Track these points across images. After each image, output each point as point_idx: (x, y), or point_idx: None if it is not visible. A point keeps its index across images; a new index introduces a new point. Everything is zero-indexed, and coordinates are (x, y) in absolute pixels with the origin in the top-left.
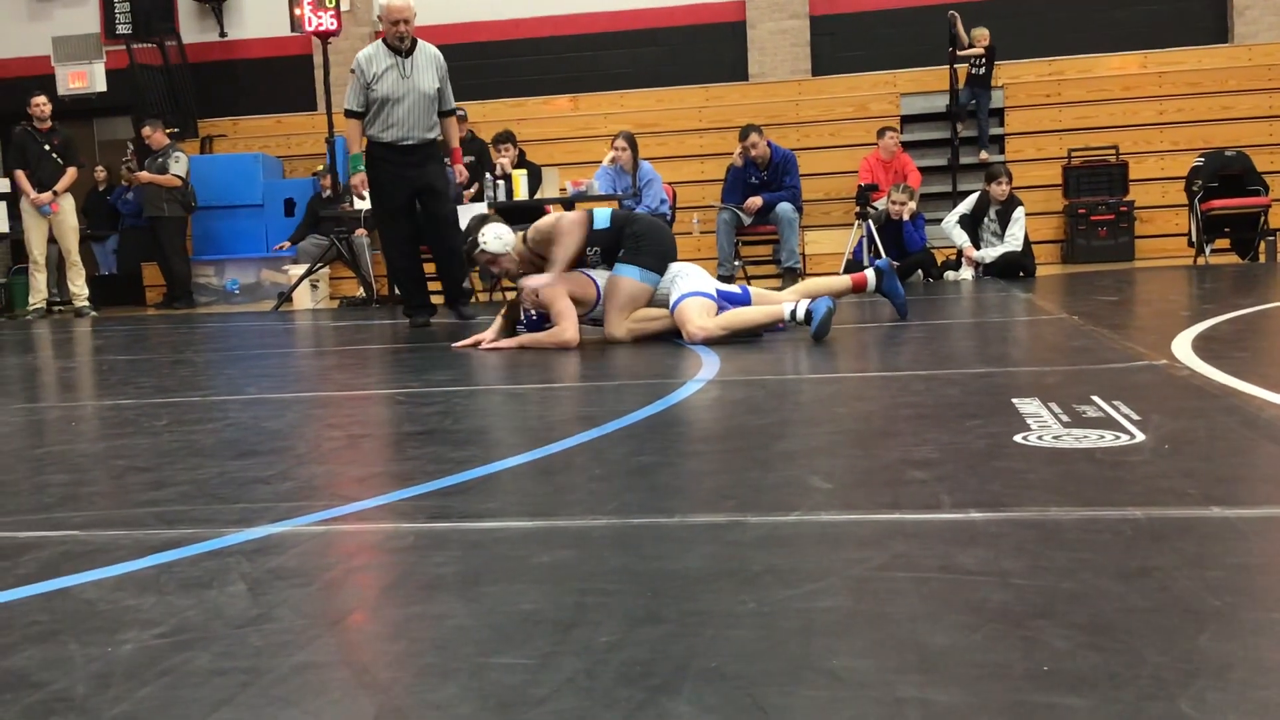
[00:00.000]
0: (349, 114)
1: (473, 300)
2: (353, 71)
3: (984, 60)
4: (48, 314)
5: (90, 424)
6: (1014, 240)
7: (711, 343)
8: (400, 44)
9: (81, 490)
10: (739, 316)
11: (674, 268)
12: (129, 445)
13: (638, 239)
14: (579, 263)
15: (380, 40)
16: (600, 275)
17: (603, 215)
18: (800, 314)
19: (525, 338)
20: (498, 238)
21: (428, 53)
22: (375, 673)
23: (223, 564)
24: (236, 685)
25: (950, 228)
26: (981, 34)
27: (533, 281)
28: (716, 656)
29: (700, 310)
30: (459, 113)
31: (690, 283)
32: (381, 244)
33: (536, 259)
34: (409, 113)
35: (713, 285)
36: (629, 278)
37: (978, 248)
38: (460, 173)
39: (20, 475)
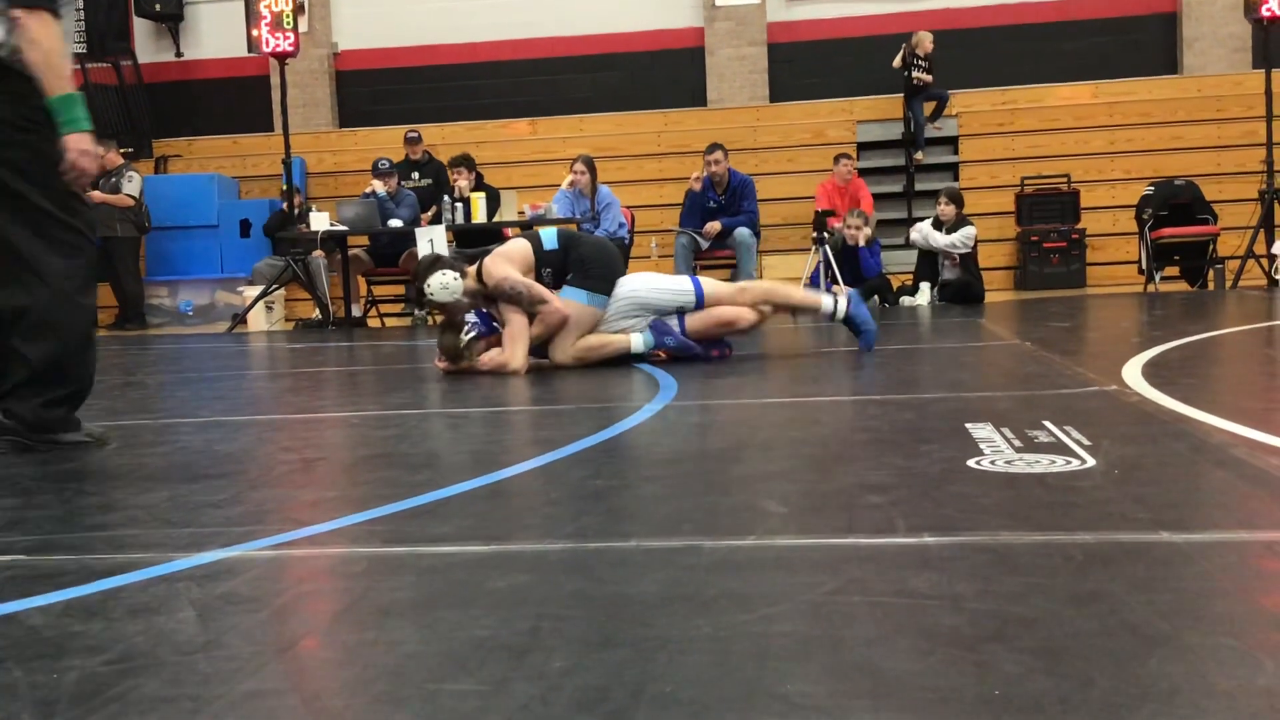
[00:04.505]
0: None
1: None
2: None
3: (926, 67)
4: None
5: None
6: (962, 241)
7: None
8: None
9: (28, 514)
10: (780, 291)
11: (623, 283)
12: (77, 468)
13: (584, 263)
14: None
15: None
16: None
17: (549, 235)
18: (840, 312)
19: (481, 359)
20: (444, 288)
21: None
22: (326, 700)
23: (172, 589)
24: (185, 713)
25: (928, 230)
26: (924, 38)
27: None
28: (671, 681)
29: (740, 286)
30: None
31: (664, 280)
32: None
33: (486, 289)
34: None
35: (670, 279)
36: (576, 301)
37: (937, 272)
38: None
39: None
